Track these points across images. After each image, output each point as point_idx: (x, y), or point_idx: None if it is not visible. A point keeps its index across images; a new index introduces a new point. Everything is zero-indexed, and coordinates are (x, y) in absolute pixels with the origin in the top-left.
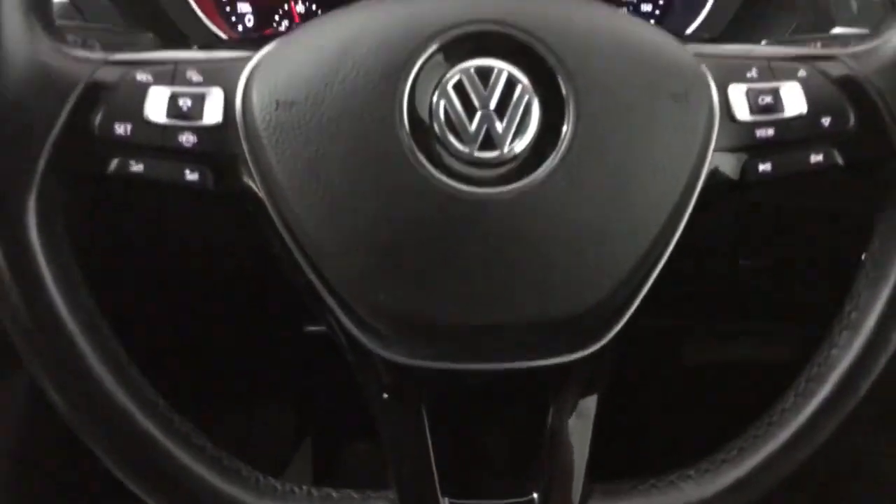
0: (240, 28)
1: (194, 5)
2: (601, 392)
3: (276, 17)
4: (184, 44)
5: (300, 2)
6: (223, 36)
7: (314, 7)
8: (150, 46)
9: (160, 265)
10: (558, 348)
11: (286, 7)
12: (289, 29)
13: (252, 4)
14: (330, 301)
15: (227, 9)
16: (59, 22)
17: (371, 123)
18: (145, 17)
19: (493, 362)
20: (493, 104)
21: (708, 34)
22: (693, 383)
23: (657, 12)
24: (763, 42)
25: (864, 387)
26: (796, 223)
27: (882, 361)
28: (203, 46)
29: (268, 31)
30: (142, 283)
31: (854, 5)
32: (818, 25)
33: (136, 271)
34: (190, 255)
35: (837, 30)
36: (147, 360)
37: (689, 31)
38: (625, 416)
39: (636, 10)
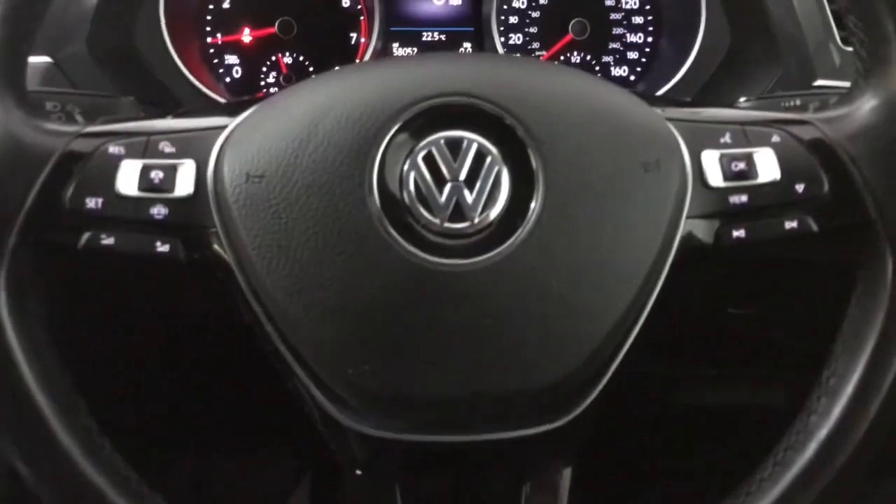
0: (227, 80)
1: (178, 61)
2: (575, 461)
3: (264, 69)
4: (168, 100)
5: (287, 54)
6: (208, 92)
7: (302, 59)
8: (131, 111)
9: (147, 326)
10: (531, 419)
11: (273, 59)
12: (276, 84)
13: (239, 56)
14: (299, 372)
15: (215, 61)
16: (36, 88)
17: (340, 196)
18: (129, 74)
19: (466, 434)
20: (462, 175)
21: (686, 91)
22: (683, 427)
23: (632, 77)
24: (742, 99)
25: (844, 457)
26: (780, 272)
27: (862, 431)
28: (178, 114)
29: (246, 98)
30: (134, 343)
31: (836, 58)
32: (801, 77)
33: (126, 332)
34: (173, 317)
35: (820, 81)
36: (149, 402)
37: (667, 87)
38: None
39: (609, 74)
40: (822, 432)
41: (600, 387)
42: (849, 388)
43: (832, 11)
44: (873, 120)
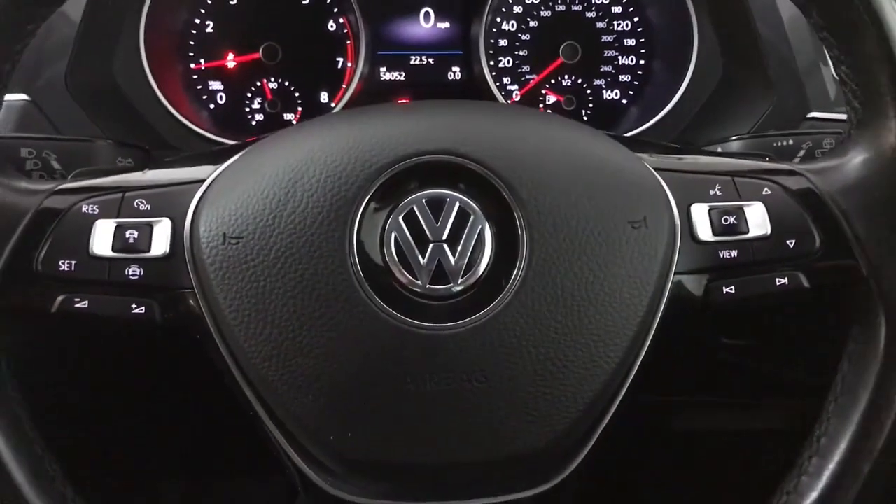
0: (211, 107)
1: (157, 91)
2: None
3: (249, 95)
4: (148, 134)
5: (273, 80)
6: (188, 124)
7: (287, 84)
8: (108, 156)
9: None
10: (517, 484)
11: (258, 85)
12: (261, 111)
13: (223, 82)
14: (279, 436)
15: (198, 87)
16: (10, 135)
17: (319, 258)
18: (109, 108)
19: (450, 501)
20: (445, 235)
21: (680, 117)
22: (673, 454)
23: (625, 101)
24: (733, 137)
25: None
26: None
27: (853, 494)
28: (156, 165)
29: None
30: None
31: (830, 90)
32: (795, 107)
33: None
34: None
35: (814, 113)
36: (140, 426)
37: (661, 114)
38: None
39: (601, 97)
40: (813, 494)
41: (589, 447)
42: (840, 450)
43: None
44: (865, 173)
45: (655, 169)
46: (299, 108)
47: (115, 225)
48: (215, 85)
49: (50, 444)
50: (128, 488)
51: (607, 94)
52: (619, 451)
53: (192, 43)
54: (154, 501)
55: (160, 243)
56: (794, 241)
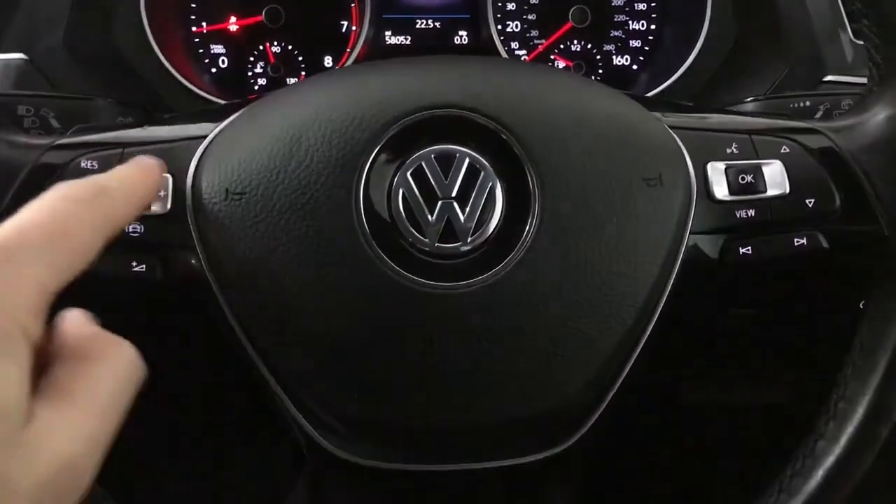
0: (213, 71)
1: (159, 53)
2: (576, 486)
3: (251, 59)
4: (149, 96)
5: (276, 43)
6: (190, 86)
7: (290, 48)
8: (108, 114)
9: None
10: (529, 447)
11: (261, 48)
12: (264, 75)
13: (226, 46)
14: (284, 398)
15: (200, 51)
16: (8, 91)
17: (325, 215)
18: (108, 69)
19: (461, 463)
20: (454, 192)
21: (691, 83)
22: (688, 427)
23: (635, 67)
24: (749, 98)
25: (852, 483)
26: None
27: (870, 457)
28: (155, 121)
29: (227, 103)
30: None
31: (848, 53)
32: (810, 72)
33: None
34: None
35: (830, 77)
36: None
37: (672, 79)
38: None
39: (611, 63)
40: (830, 459)
41: (601, 410)
42: (858, 414)
43: (844, 4)
44: (888, 130)
45: (671, 127)
46: (303, 73)
47: None
48: (217, 48)
49: None
50: (129, 456)
51: (617, 60)
52: (630, 419)
53: (193, 5)
54: (155, 469)
55: (161, 200)
56: (813, 201)
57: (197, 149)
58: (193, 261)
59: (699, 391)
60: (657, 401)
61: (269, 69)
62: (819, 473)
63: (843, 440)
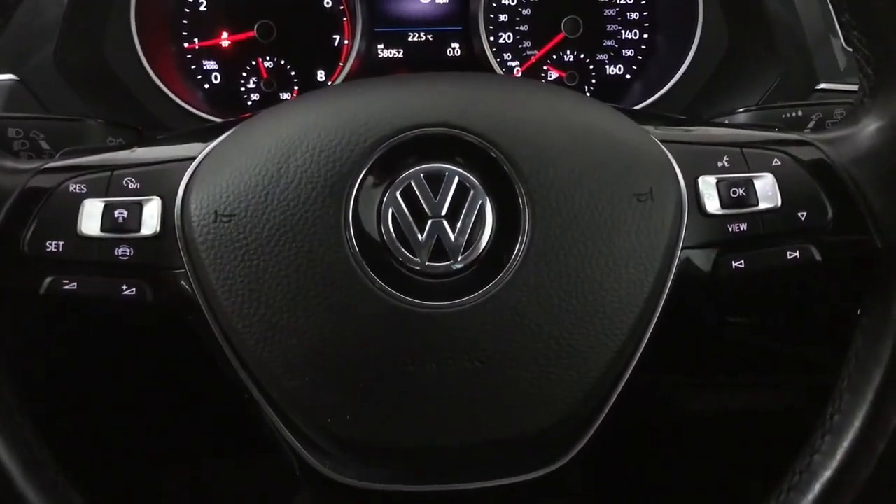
0: (206, 87)
1: (150, 70)
2: (573, 502)
3: (244, 75)
4: (141, 115)
5: (268, 58)
6: (182, 104)
7: (283, 63)
8: (99, 136)
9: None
10: (522, 466)
11: (253, 64)
12: (257, 90)
13: (218, 62)
14: (275, 419)
15: (192, 67)
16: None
17: (314, 235)
18: (99, 88)
19: (452, 484)
20: (444, 210)
21: (684, 92)
22: (684, 434)
23: (628, 76)
24: (740, 109)
25: (850, 497)
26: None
27: (867, 471)
28: (145, 142)
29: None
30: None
31: (840, 60)
32: (803, 79)
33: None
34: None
35: (823, 85)
36: (142, 410)
37: (665, 88)
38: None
39: (604, 73)
40: (827, 474)
41: (595, 428)
42: (854, 427)
43: (835, 14)
44: (879, 142)
45: (661, 141)
46: (296, 87)
47: (103, 204)
48: (210, 64)
49: (41, 430)
50: (121, 474)
51: (610, 70)
52: (625, 434)
53: (184, 22)
54: (149, 488)
55: (150, 222)
56: (805, 214)
57: (185, 170)
58: (183, 283)
59: (693, 401)
60: (651, 411)
61: (262, 84)
62: (816, 488)
63: (840, 454)
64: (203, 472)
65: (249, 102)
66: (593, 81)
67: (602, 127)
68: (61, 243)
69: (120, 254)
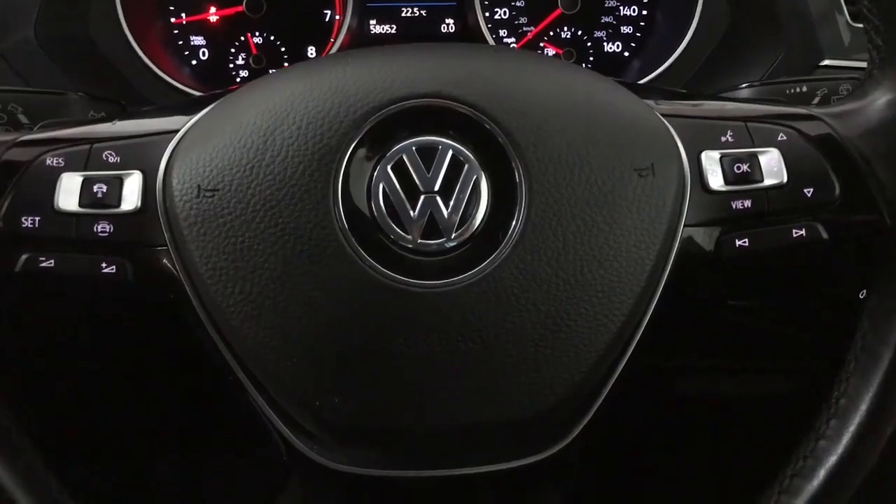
0: (193, 63)
1: (135, 45)
2: (569, 488)
3: (232, 50)
4: (125, 91)
5: (257, 34)
6: (168, 79)
7: (273, 38)
8: (80, 110)
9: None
10: (517, 451)
11: (242, 39)
12: (245, 66)
13: (206, 37)
14: (261, 403)
15: (179, 42)
16: None
17: (301, 211)
18: (82, 62)
19: (445, 469)
20: (437, 185)
21: (684, 69)
22: (685, 419)
23: (626, 53)
24: (743, 85)
25: (856, 483)
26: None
27: (874, 456)
28: (126, 116)
29: (201, 94)
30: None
31: (845, 35)
32: (806, 56)
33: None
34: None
35: (827, 61)
36: (128, 404)
37: (665, 65)
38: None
39: (602, 50)
40: (832, 459)
41: (593, 410)
42: (860, 411)
43: None
44: (889, 116)
45: (663, 115)
46: (285, 64)
47: (82, 178)
48: (197, 40)
49: (20, 417)
50: (102, 460)
51: (608, 46)
52: (625, 417)
53: None
54: (133, 474)
55: (131, 197)
56: (811, 190)
57: (168, 144)
58: (165, 260)
59: (694, 383)
60: (651, 393)
61: (251, 60)
62: (821, 474)
63: (846, 439)
64: (189, 459)
65: (238, 79)
66: (591, 59)
67: (602, 100)
68: (37, 219)
69: (99, 230)
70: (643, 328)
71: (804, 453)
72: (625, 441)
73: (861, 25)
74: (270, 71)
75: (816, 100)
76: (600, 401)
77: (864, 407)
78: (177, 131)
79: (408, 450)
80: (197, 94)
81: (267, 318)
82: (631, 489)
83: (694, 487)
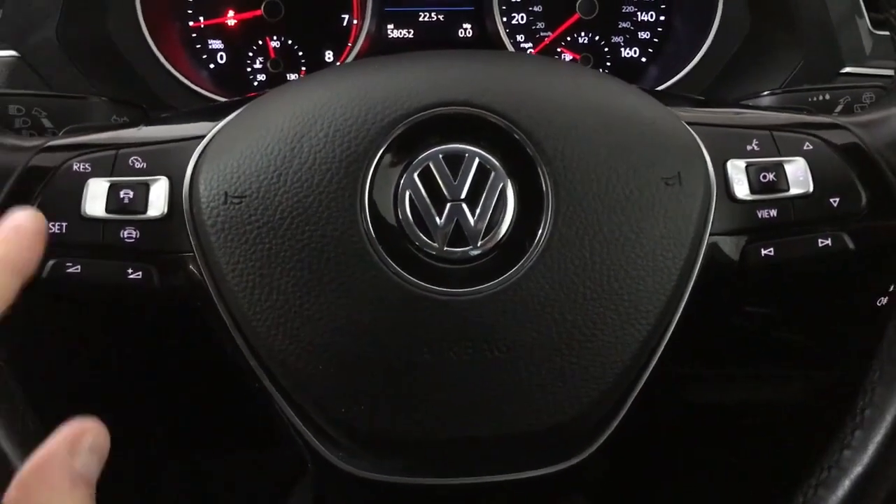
0: (211, 66)
1: (155, 48)
2: (594, 497)
3: (251, 54)
4: (145, 93)
5: (275, 38)
6: (187, 83)
7: (290, 42)
8: (103, 114)
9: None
10: (542, 460)
11: (260, 43)
12: (263, 70)
13: (224, 41)
14: (287, 410)
15: (198, 46)
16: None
17: (329, 219)
18: (103, 66)
19: (470, 477)
20: (463, 193)
21: (703, 76)
22: (709, 426)
23: (644, 59)
24: (765, 92)
25: (881, 496)
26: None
27: None
28: (152, 121)
29: (226, 101)
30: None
31: (867, 43)
32: (827, 63)
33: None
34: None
35: (848, 69)
36: (142, 404)
37: (684, 72)
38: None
39: (619, 55)
40: (857, 469)
41: (618, 420)
42: (887, 421)
43: None
44: None
45: (689, 123)
46: (303, 68)
47: (108, 184)
48: (215, 43)
49: (42, 420)
50: (126, 463)
51: (626, 52)
52: (649, 425)
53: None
54: (154, 477)
55: (157, 203)
56: (837, 200)
57: (194, 150)
58: (191, 267)
59: (717, 392)
60: (675, 402)
61: (268, 64)
62: (846, 484)
63: (872, 449)
64: (211, 465)
65: (256, 83)
66: (608, 64)
67: (628, 108)
68: (65, 224)
69: (126, 236)
70: (668, 337)
71: (829, 463)
72: (648, 449)
73: (884, 33)
74: (288, 76)
75: (839, 108)
76: (625, 410)
77: (889, 417)
78: (203, 137)
79: (432, 458)
80: (215, 97)
81: (293, 325)
82: (648, 497)
83: (711, 496)
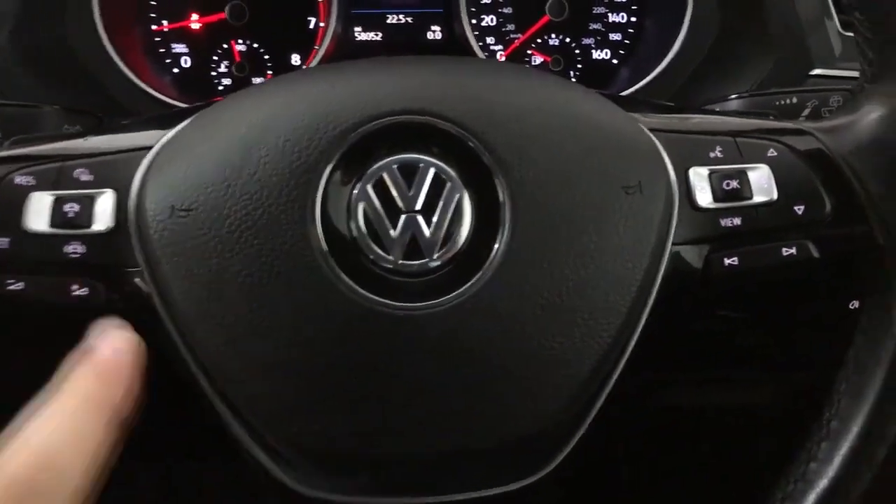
0: (175, 71)
1: (113, 53)
2: None
3: (215, 58)
4: (104, 101)
5: (241, 41)
6: (147, 89)
7: (256, 46)
8: (55, 123)
9: None
10: (501, 477)
11: (225, 47)
12: (229, 75)
13: (188, 45)
14: (238, 430)
15: (161, 50)
16: None
17: (279, 232)
18: (60, 73)
19: (427, 496)
20: (419, 205)
21: (674, 78)
22: (672, 437)
23: (615, 61)
24: (733, 96)
25: None
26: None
27: (867, 480)
28: (101, 131)
29: (178, 109)
30: None
31: (836, 45)
32: (796, 65)
33: None
34: None
35: (818, 70)
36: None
37: (654, 73)
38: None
39: (590, 57)
40: (823, 483)
41: (581, 433)
42: (852, 434)
43: None
44: (881, 131)
45: (650, 129)
46: (269, 72)
47: (52, 197)
48: (179, 48)
49: None
50: None
51: (597, 54)
52: (613, 437)
53: (152, 3)
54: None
55: (103, 217)
56: (802, 207)
57: (141, 161)
58: (139, 282)
59: (682, 403)
60: (638, 414)
61: (234, 68)
62: (811, 498)
63: (837, 462)
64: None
65: (220, 87)
66: (579, 66)
67: (588, 115)
68: (6, 240)
69: (70, 251)
70: (630, 349)
71: (794, 476)
72: (613, 459)
73: (852, 35)
74: (254, 79)
75: (807, 111)
76: (588, 422)
77: (855, 429)
78: (150, 147)
79: (389, 477)
80: (178, 104)
81: (243, 342)
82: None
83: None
